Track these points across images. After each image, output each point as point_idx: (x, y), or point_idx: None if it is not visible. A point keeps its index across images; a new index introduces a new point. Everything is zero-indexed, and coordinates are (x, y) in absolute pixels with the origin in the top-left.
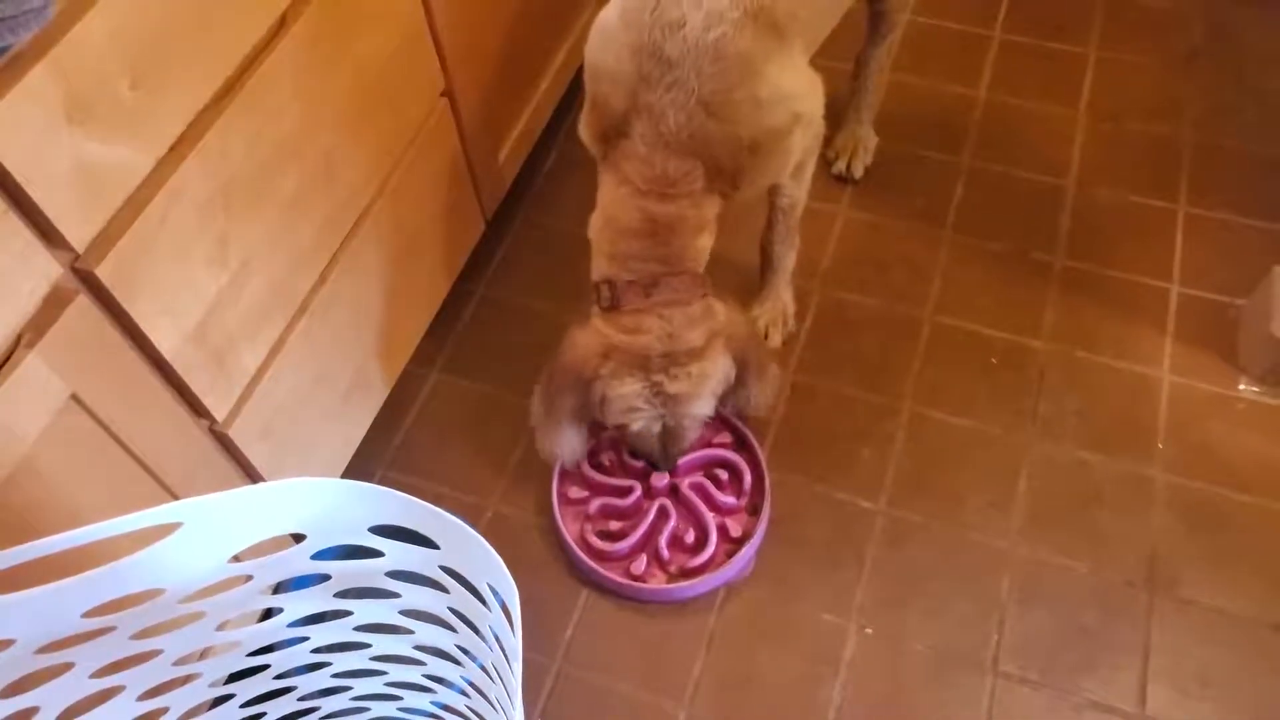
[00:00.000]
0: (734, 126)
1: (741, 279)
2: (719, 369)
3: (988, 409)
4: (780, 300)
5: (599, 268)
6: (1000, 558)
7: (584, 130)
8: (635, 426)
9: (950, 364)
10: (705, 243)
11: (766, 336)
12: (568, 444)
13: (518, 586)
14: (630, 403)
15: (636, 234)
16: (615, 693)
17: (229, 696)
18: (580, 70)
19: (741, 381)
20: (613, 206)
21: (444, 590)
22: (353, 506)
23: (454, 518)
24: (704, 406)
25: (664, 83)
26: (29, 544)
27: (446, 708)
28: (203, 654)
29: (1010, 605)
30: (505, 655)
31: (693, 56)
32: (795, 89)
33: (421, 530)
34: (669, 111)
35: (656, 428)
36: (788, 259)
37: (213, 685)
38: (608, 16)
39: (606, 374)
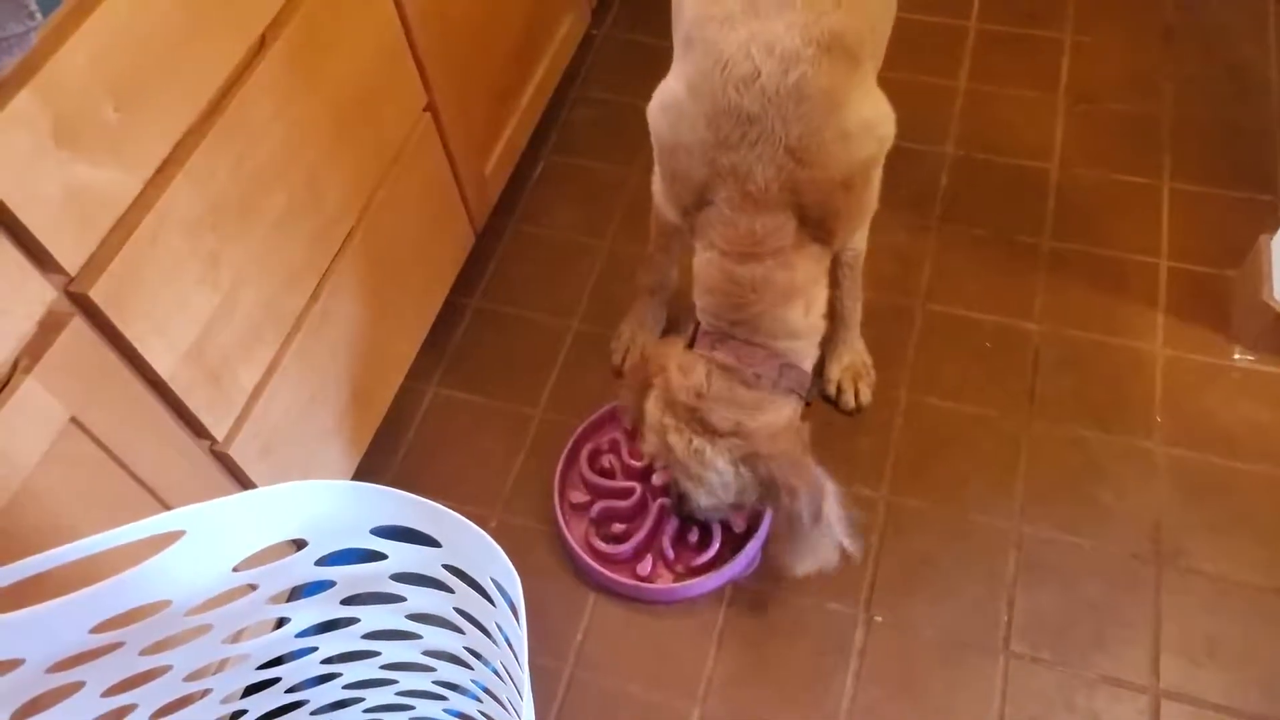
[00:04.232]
0: (824, 170)
1: None
2: (720, 471)
3: (984, 392)
4: (856, 353)
5: (698, 312)
6: (1005, 538)
7: (667, 207)
8: (645, 448)
9: (944, 350)
10: (797, 318)
11: (857, 395)
12: (631, 409)
13: (525, 595)
14: (652, 422)
15: (715, 293)
16: (628, 694)
17: (241, 713)
18: (564, 82)
19: (776, 521)
20: (700, 269)
21: (449, 590)
22: (352, 507)
23: (452, 513)
24: (699, 493)
25: (747, 141)
26: (32, 558)
27: (461, 716)
28: (213, 669)
29: (1018, 585)
30: (514, 652)
31: (775, 105)
32: (876, 114)
33: (421, 528)
34: (755, 168)
35: (666, 456)
36: (856, 310)
37: (225, 701)
38: (672, 93)
39: (655, 386)
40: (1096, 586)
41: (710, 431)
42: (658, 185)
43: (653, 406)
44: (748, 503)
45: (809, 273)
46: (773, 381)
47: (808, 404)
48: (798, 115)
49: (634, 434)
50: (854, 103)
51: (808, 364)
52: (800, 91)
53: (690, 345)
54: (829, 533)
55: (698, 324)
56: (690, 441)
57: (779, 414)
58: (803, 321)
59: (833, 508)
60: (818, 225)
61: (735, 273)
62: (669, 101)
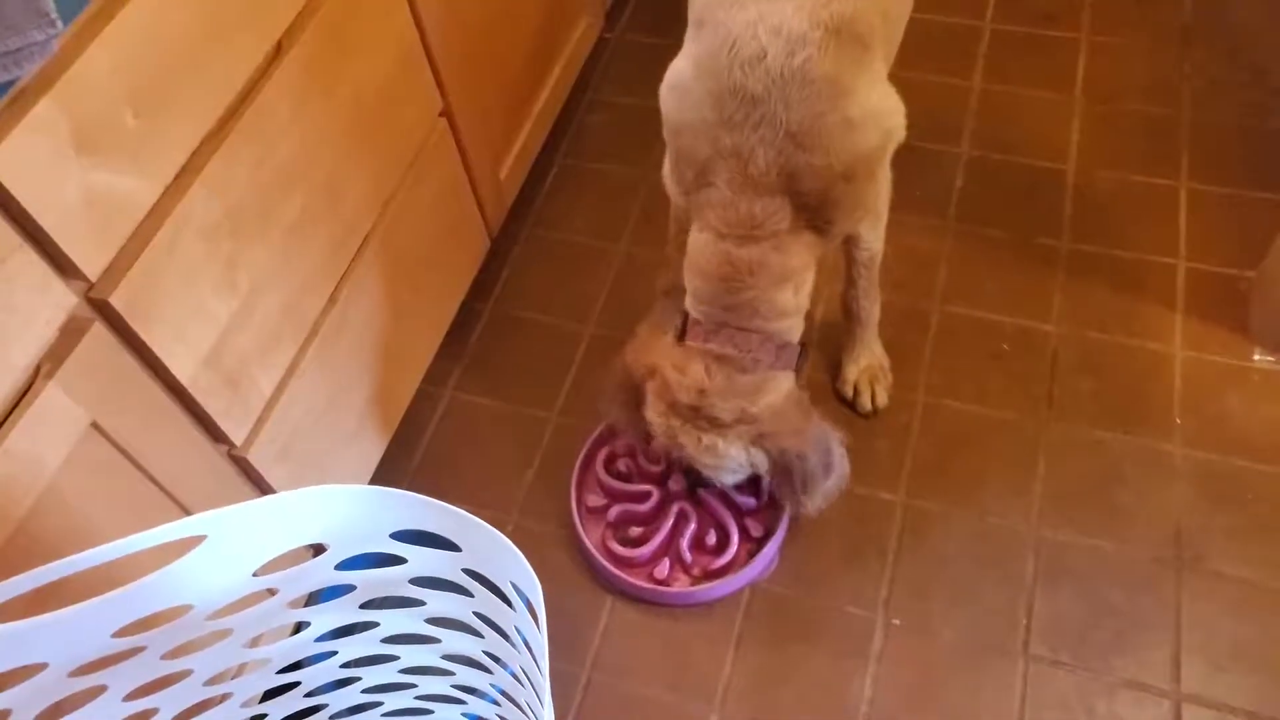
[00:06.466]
0: (826, 156)
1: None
2: (734, 458)
3: (1001, 395)
4: (873, 354)
5: (687, 300)
6: (1023, 541)
7: (670, 185)
8: (657, 445)
9: (961, 352)
10: (787, 299)
11: (874, 397)
12: (623, 422)
13: (542, 599)
14: (658, 428)
15: (710, 277)
16: (646, 699)
17: (261, 716)
18: (578, 86)
19: (787, 484)
20: (695, 251)
21: (468, 594)
22: (372, 512)
23: (473, 517)
24: (719, 476)
25: (750, 122)
26: (55, 563)
27: None
28: (233, 673)
29: (1037, 588)
30: (533, 656)
31: (778, 87)
32: (884, 104)
33: (441, 532)
34: (758, 150)
35: (679, 451)
36: (873, 311)
37: (245, 705)
38: (680, 71)
39: (650, 391)
40: (1117, 590)
41: (718, 425)
42: (667, 169)
43: (653, 413)
44: (766, 470)
45: (801, 258)
46: (769, 364)
47: (798, 372)
48: (801, 99)
49: (645, 439)
50: (860, 90)
51: (796, 337)
52: (805, 75)
53: (680, 338)
54: (839, 476)
55: (686, 315)
56: (700, 439)
57: (778, 392)
58: (791, 302)
59: (839, 453)
60: (815, 213)
61: (733, 255)
62: (676, 80)
